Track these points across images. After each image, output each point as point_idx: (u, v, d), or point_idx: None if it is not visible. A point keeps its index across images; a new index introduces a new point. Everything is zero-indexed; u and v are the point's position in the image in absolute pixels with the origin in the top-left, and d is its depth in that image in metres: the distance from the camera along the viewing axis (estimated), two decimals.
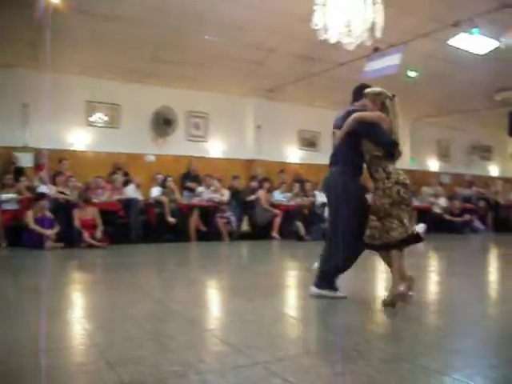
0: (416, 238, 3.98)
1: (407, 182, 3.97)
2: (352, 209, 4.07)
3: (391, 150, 4.01)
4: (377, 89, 4.18)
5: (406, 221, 3.90)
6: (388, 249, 3.99)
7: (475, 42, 9.96)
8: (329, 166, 4.36)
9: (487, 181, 16.45)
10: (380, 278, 5.84)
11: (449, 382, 2.38)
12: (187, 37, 9.04)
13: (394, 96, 4.16)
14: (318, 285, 4.24)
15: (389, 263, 4.09)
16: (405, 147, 14.89)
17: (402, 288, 3.92)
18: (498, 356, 2.78)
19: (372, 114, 4.05)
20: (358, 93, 4.32)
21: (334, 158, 4.27)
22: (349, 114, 4.15)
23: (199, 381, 2.33)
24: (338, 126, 4.22)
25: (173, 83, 11.25)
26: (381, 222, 3.93)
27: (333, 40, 6.27)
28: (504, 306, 4.49)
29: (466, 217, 13.44)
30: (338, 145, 4.21)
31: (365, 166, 4.23)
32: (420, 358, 2.70)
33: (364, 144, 4.08)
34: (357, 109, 4.20)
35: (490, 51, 10.30)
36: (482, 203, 14.57)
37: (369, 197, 4.21)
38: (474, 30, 8.45)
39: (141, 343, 2.92)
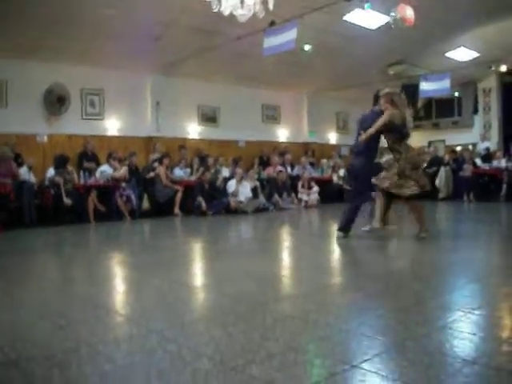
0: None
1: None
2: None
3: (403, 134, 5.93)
4: (385, 90, 6.04)
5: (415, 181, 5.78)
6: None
7: (368, 17, 10.28)
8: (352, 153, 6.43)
9: (382, 151, 17.17)
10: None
11: (337, 331, 2.46)
12: (79, 10, 8.58)
13: (400, 92, 6.27)
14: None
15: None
16: (303, 121, 15.48)
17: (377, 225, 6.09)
18: (382, 307, 2.92)
19: (385, 117, 5.76)
20: (376, 98, 6.14)
21: (358, 149, 6.25)
22: (377, 115, 5.88)
23: (91, 353, 2.28)
24: (365, 128, 5.87)
25: (65, 59, 10.64)
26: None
27: (226, 12, 6.20)
28: (399, 263, 4.75)
29: None
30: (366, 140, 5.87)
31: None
32: (311, 314, 2.78)
33: (386, 134, 5.95)
34: (378, 111, 5.96)
35: (381, 26, 10.68)
36: None
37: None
38: (366, 4, 8.64)
39: (31, 324, 2.80)
